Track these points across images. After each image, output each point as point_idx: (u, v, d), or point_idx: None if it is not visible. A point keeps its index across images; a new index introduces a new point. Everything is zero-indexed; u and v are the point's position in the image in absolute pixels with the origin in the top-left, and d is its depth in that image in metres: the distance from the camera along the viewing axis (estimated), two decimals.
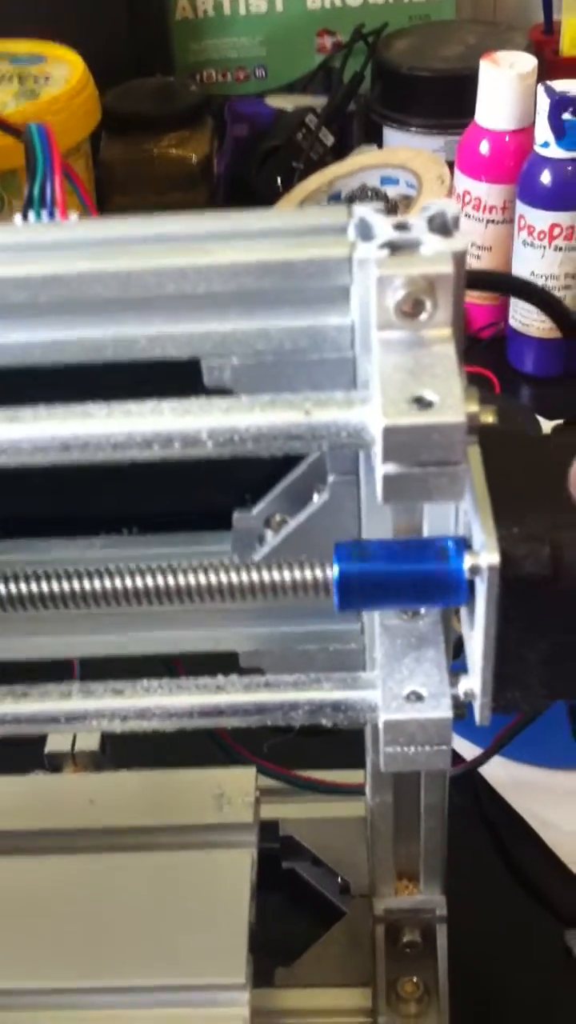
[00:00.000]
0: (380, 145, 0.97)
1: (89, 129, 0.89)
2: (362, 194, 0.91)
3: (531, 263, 0.79)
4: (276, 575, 0.31)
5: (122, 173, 0.95)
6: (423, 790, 0.42)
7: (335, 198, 0.92)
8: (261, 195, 0.95)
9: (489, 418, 0.27)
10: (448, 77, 0.92)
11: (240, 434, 0.27)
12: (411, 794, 0.42)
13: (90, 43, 0.91)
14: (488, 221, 0.81)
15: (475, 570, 0.28)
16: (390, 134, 0.96)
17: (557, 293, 0.78)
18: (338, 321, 0.29)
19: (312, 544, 0.33)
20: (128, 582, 0.31)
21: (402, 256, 0.27)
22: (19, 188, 0.81)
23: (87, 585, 0.31)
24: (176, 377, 0.30)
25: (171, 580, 0.31)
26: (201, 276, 0.29)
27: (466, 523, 0.30)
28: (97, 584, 0.31)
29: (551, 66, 0.94)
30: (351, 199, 0.91)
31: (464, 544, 0.29)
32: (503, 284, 0.75)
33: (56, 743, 0.52)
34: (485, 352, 0.83)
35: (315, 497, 0.33)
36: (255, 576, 0.31)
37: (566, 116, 0.73)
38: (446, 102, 0.91)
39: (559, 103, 0.73)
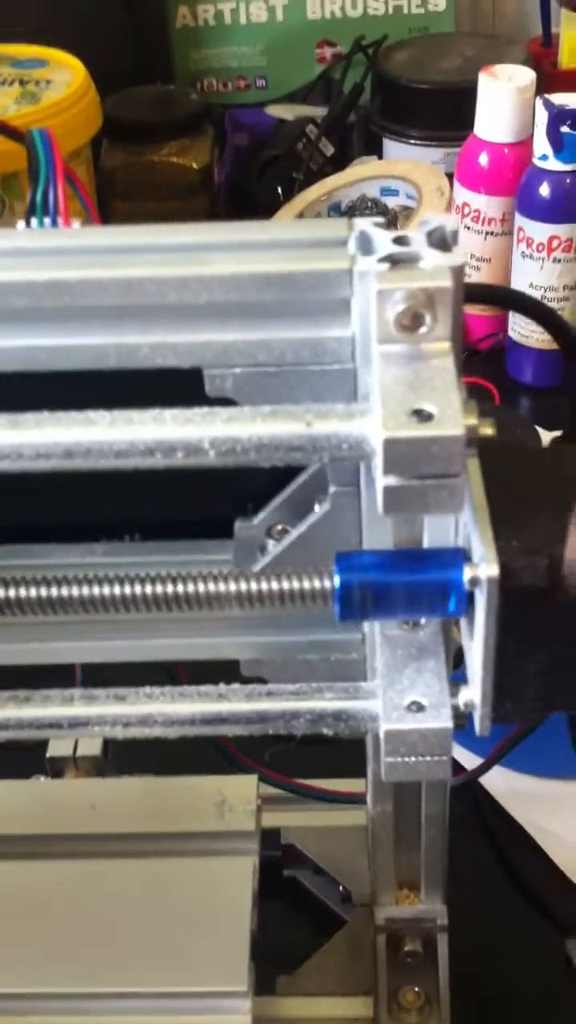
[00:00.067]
0: (380, 156, 0.97)
1: (90, 134, 0.88)
2: (362, 205, 0.91)
3: (530, 275, 0.79)
4: (277, 584, 0.31)
5: (123, 180, 0.95)
6: (424, 800, 0.42)
7: (335, 208, 0.92)
8: (261, 204, 0.95)
9: (488, 430, 0.27)
10: (447, 89, 0.93)
11: (242, 444, 0.27)
12: (412, 803, 0.42)
13: (90, 50, 0.90)
14: (487, 233, 0.82)
15: (475, 582, 0.28)
16: (390, 145, 0.96)
17: (555, 305, 0.78)
18: (339, 333, 0.30)
19: (313, 554, 0.33)
20: (129, 589, 0.31)
21: (402, 270, 0.27)
22: (20, 191, 0.81)
23: (88, 592, 0.31)
24: (179, 386, 0.30)
25: (172, 588, 0.31)
26: (203, 286, 0.29)
27: (466, 534, 0.30)
28: (98, 591, 0.31)
29: (549, 79, 0.94)
30: (351, 209, 0.91)
31: (464, 556, 0.29)
32: (500, 298, 0.75)
33: (58, 748, 0.51)
34: (484, 363, 0.83)
35: (316, 507, 0.33)
36: (256, 585, 0.31)
37: (564, 129, 0.73)
38: (445, 114, 0.91)
39: (557, 116, 0.73)
